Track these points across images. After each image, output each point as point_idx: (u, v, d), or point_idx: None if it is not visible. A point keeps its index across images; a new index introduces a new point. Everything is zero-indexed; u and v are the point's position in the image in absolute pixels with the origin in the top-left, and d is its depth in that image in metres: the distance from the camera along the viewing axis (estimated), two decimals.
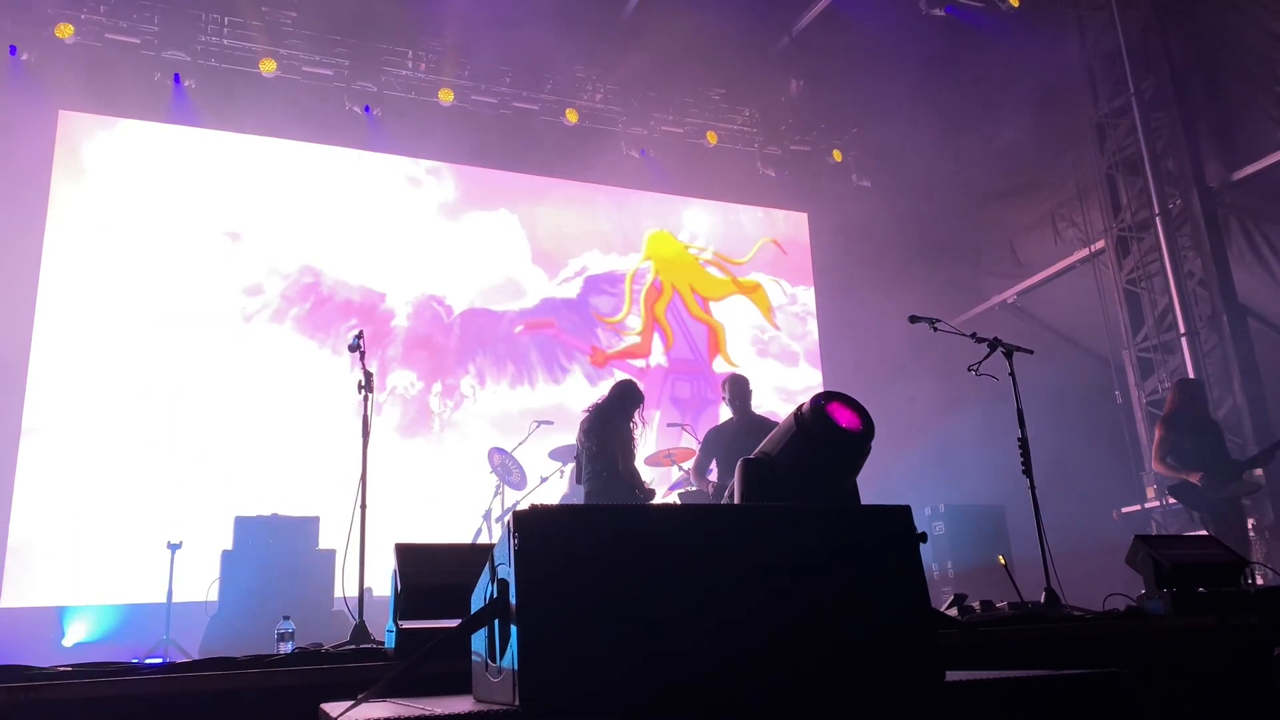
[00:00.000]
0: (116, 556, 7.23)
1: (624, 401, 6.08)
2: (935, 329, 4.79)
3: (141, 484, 7.52)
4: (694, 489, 7.09)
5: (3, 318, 7.37)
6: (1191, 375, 8.01)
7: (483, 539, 7.54)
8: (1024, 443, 4.50)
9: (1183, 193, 8.43)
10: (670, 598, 1.50)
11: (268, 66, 8.66)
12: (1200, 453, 6.22)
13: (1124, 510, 8.14)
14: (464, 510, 7.70)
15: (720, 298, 10.39)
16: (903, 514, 1.73)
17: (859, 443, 3.18)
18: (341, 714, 1.44)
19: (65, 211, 7.93)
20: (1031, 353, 4.77)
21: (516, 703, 1.39)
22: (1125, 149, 8.89)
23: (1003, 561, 4.55)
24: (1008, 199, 10.22)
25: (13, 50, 7.96)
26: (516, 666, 1.40)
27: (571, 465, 7.41)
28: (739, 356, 10.15)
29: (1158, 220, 8.45)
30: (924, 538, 1.77)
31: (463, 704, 1.56)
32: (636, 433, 6.05)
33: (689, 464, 7.44)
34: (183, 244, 8.25)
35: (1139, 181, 8.72)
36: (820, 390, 5.59)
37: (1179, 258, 8.35)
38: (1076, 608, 4.04)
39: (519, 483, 7.76)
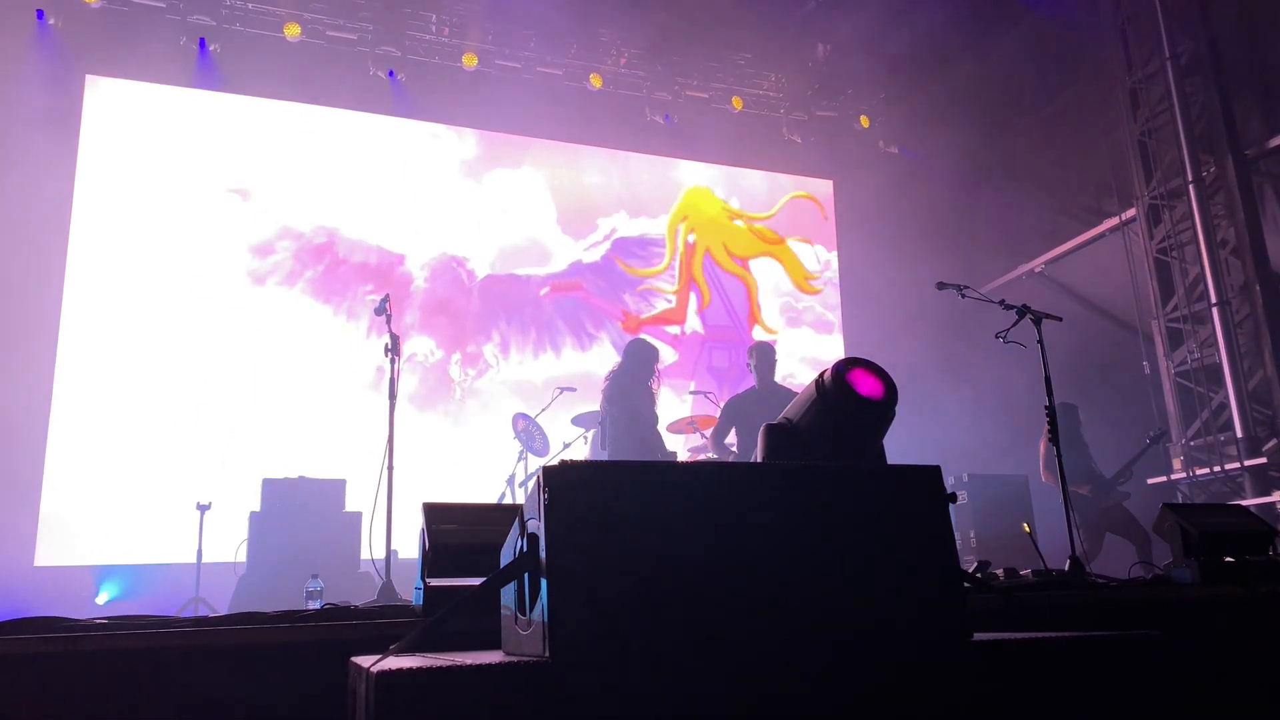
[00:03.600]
0: (147, 517, 7.35)
1: (640, 362, 6.09)
2: (963, 296, 4.76)
3: (170, 447, 7.62)
4: (713, 456, 7.10)
5: (34, 283, 7.46)
6: (1223, 345, 7.91)
7: (506, 503, 7.60)
8: (1051, 411, 4.48)
9: (1217, 160, 8.26)
10: (698, 553, 1.50)
11: (292, 31, 8.65)
12: (1085, 466, 6.97)
13: (1151, 481, 8.09)
14: (487, 475, 7.76)
15: (752, 255, 10.30)
16: (932, 474, 1.73)
17: (881, 410, 3.15)
18: (373, 664, 1.46)
19: (92, 175, 7.99)
20: (1060, 320, 4.73)
21: (546, 654, 1.40)
22: (1158, 115, 8.72)
23: (1027, 529, 4.53)
24: (1037, 166, 10.08)
25: (40, 15, 7.99)
26: (546, 619, 1.41)
27: (594, 431, 7.45)
28: (772, 324, 10.10)
29: (1190, 188, 8.29)
30: (954, 498, 1.76)
31: (493, 657, 1.58)
32: (656, 390, 6.06)
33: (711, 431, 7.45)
34: (207, 208, 8.30)
35: (1172, 148, 8.56)
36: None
37: (1211, 226, 8.21)
38: (1101, 576, 4.02)
39: (541, 449, 7.79)
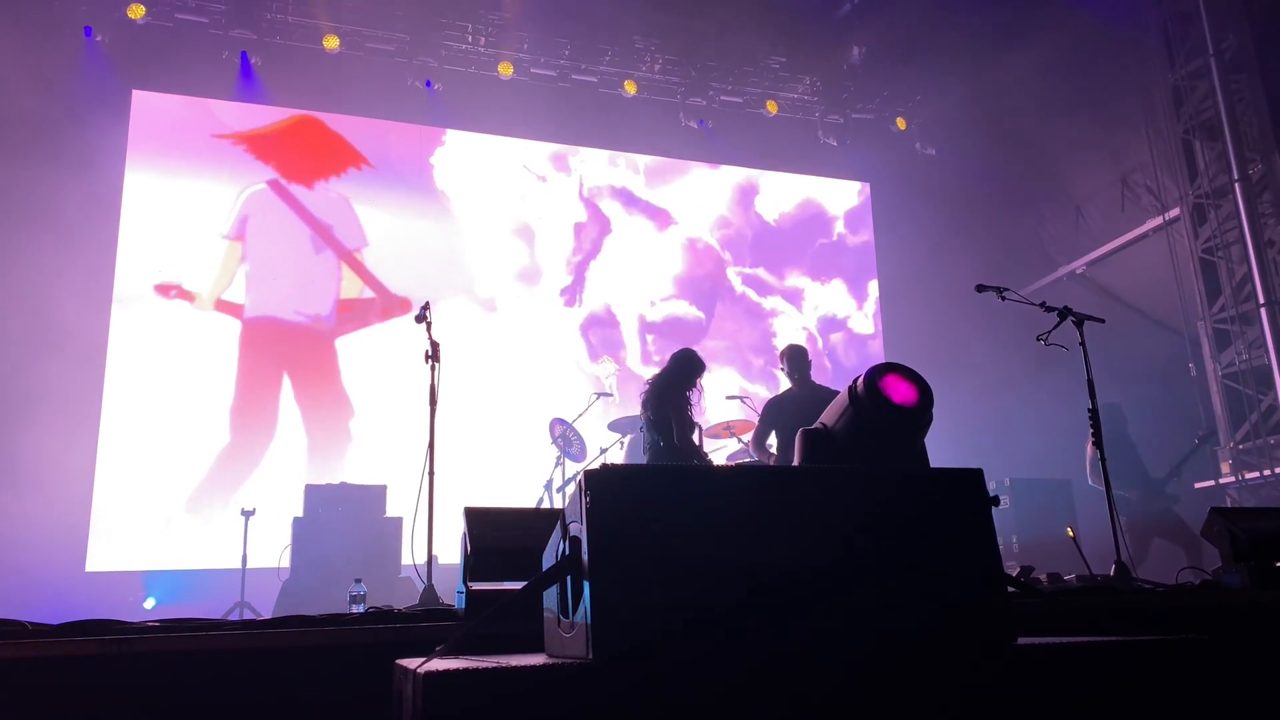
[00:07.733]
0: (193, 523, 7.49)
1: (683, 370, 6.06)
2: (1003, 298, 4.70)
3: (216, 454, 7.76)
4: (754, 460, 7.07)
5: (83, 296, 7.62)
6: (1272, 346, 7.75)
7: (545, 508, 7.63)
8: (1094, 414, 4.41)
9: (1264, 157, 8.11)
10: (739, 555, 1.51)
11: (331, 43, 8.79)
12: (1134, 470, 6.90)
13: (1199, 485, 7.94)
14: (526, 480, 7.80)
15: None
16: (974, 477, 1.72)
17: (915, 416, 3.09)
18: (420, 666, 1.48)
19: (139, 186, 8.16)
20: (1103, 321, 4.66)
21: (590, 655, 1.42)
22: (1203, 112, 8.57)
23: (1071, 533, 4.47)
24: (1079, 166, 9.93)
25: (88, 32, 8.19)
26: (590, 620, 1.43)
27: (630, 436, 7.46)
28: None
29: (1237, 186, 8.14)
30: (996, 501, 1.75)
31: (537, 659, 1.60)
32: (695, 400, 6.03)
33: (749, 436, 7.42)
34: (251, 218, 8.43)
35: (1217, 146, 8.40)
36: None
37: (1259, 225, 8.05)
38: (1148, 581, 3.96)
39: (579, 454, 7.82)
